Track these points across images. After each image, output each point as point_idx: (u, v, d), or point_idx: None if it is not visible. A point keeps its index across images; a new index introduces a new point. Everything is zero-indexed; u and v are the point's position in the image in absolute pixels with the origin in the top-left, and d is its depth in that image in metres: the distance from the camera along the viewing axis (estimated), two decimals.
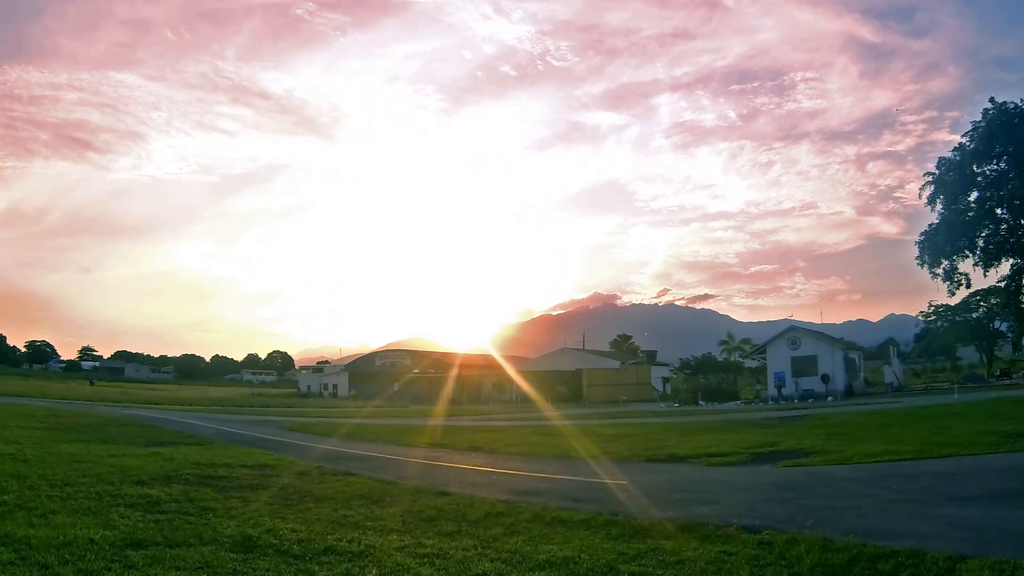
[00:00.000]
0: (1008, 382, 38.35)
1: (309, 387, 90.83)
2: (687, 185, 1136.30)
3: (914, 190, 29.17)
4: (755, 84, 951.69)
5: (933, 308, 58.98)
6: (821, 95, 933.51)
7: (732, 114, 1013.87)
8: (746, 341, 65.93)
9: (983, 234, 28.65)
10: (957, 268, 29.25)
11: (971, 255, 28.87)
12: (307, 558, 6.14)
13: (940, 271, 29.35)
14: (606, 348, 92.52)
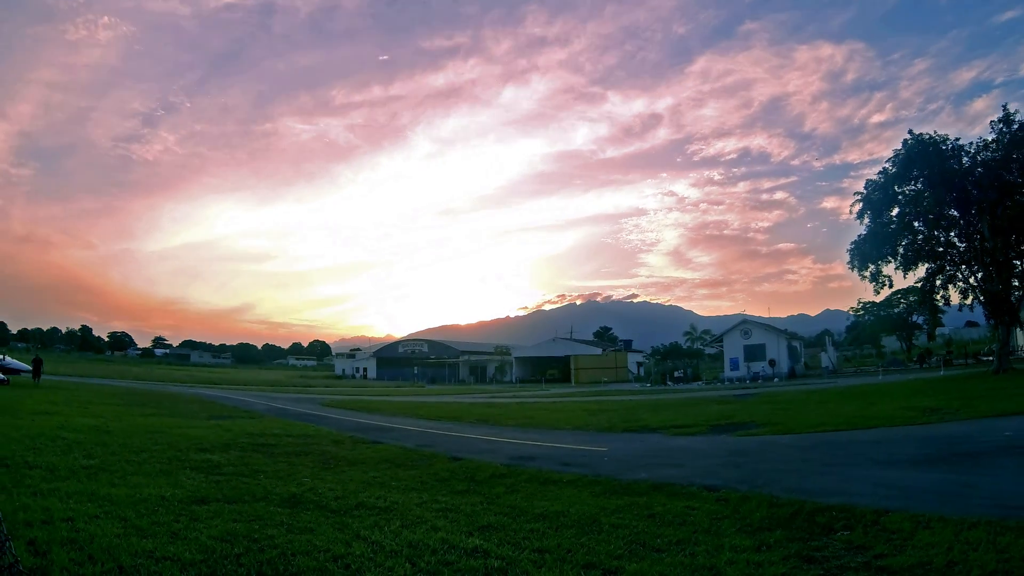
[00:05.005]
0: (924, 366, 38.30)
1: (344, 370, 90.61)
2: (764, 118, 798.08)
3: None
4: None
5: (861, 304, 59.07)
6: None
7: None
8: (707, 332, 65.92)
9: (903, 243, 28.75)
10: (881, 271, 29.35)
11: (893, 260, 28.98)
12: (342, 512, 6.15)
13: (867, 274, 29.45)
14: (590, 338, 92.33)
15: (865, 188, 29.10)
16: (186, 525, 5.33)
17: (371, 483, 7.90)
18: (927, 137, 27.45)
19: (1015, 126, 25.76)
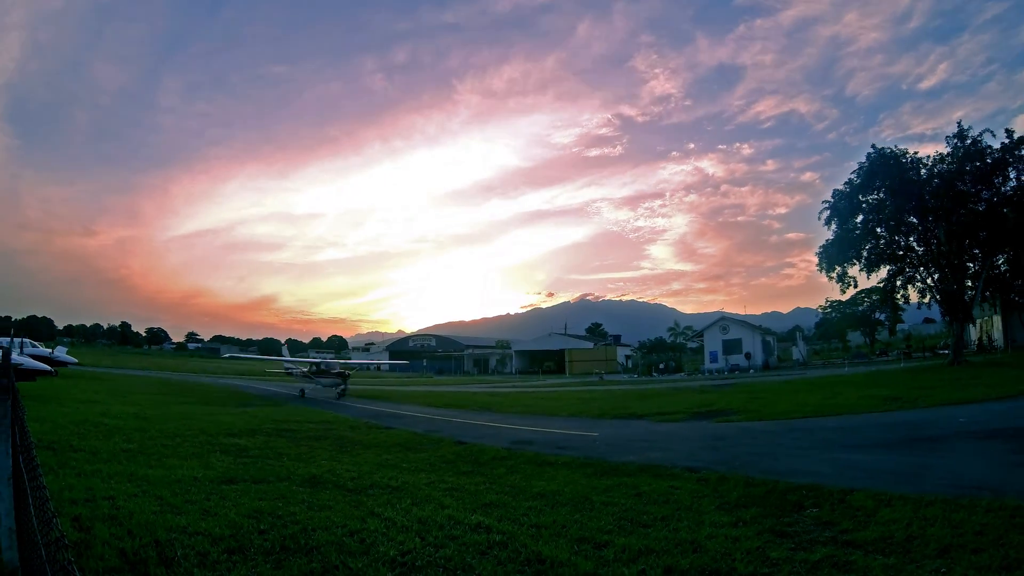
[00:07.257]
0: (885, 359, 38.27)
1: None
2: (816, 72, 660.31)
3: None
4: None
5: (829, 303, 59.05)
6: None
7: None
8: (689, 328, 65.82)
9: (866, 247, 28.79)
10: (847, 273, 29.40)
11: (858, 263, 29.04)
12: (358, 491, 6.15)
13: (834, 275, 29.53)
14: (583, 333, 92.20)
15: (832, 197, 29.24)
16: (216, 503, 5.33)
17: (384, 465, 7.90)
18: (888, 151, 27.72)
19: (968, 141, 25.84)
